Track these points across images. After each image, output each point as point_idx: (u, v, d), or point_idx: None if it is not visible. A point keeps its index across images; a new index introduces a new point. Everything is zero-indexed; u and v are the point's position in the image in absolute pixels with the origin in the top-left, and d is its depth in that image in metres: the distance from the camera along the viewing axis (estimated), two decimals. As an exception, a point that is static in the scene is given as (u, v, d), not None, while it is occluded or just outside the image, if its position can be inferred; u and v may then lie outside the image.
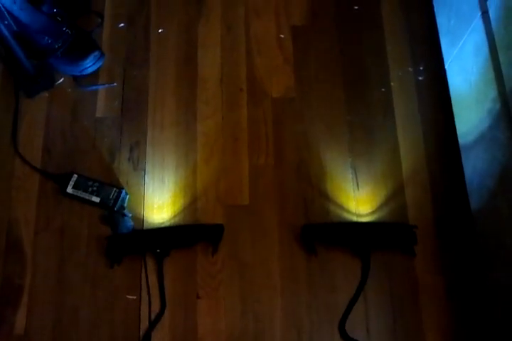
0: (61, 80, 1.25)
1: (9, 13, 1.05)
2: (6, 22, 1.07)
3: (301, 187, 1.16)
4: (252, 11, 1.31)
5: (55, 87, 1.24)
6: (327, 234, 1.10)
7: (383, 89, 1.24)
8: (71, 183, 1.12)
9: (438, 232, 1.12)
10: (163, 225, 1.13)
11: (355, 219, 1.13)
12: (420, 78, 1.25)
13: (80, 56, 1.20)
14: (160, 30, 1.30)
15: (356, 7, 1.31)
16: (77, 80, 1.24)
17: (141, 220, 1.13)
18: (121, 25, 1.30)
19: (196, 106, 1.23)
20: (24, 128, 1.21)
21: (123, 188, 1.14)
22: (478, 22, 1.02)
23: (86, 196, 1.12)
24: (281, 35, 1.29)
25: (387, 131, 1.21)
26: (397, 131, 1.21)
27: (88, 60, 1.20)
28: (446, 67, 1.19)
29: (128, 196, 1.14)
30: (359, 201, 1.15)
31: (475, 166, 1.05)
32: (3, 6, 1.03)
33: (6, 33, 1.07)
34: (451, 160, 1.15)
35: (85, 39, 1.23)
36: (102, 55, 1.23)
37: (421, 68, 1.25)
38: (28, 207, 1.15)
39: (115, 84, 1.24)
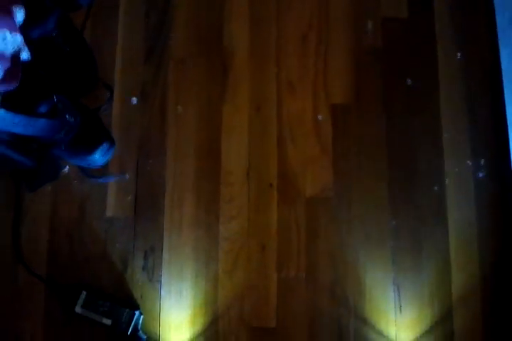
0: (66, 169, 1.14)
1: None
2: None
3: (335, 308, 1.07)
4: (285, 86, 1.16)
5: (59, 178, 1.14)
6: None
7: (436, 188, 1.11)
8: (80, 302, 1.05)
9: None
10: (180, 349, 1.06)
11: (395, 348, 1.05)
12: (480, 175, 1.10)
13: (87, 150, 1.08)
14: (179, 108, 1.16)
15: (409, 81, 1.15)
16: (84, 170, 1.13)
17: (156, 342, 1.07)
18: (134, 100, 1.17)
19: (219, 204, 1.12)
20: (27, 229, 1.12)
21: (137, 309, 1.06)
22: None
23: (96, 317, 1.05)
24: (319, 117, 1.15)
25: (437, 241, 1.09)
26: (450, 242, 1.09)
27: (96, 155, 1.09)
28: (513, 170, 1.05)
29: (142, 317, 1.06)
30: (401, 326, 1.05)
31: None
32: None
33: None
34: (509, 283, 1.04)
35: (92, 126, 1.10)
36: (112, 145, 1.11)
37: (482, 162, 1.11)
38: (34, 321, 1.08)
39: (127, 176, 1.14)
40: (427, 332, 1.05)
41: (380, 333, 1.05)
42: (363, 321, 1.06)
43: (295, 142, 1.14)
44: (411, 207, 1.10)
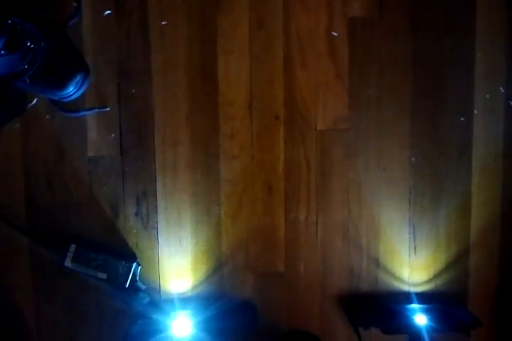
0: (34, 101, 0.98)
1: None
2: None
3: (347, 249, 1.03)
4: (294, -5, 0.97)
5: (27, 113, 0.98)
6: (375, 320, 1.01)
7: (462, 119, 1.01)
8: (69, 255, 0.97)
9: (498, 310, 1.04)
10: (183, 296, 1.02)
11: (407, 288, 1.03)
12: (512, 103, 1.00)
13: (57, 84, 0.91)
14: (163, 23, 0.97)
15: (442, -12, 0.98)
16: (57, 104, 0.97)
17: (157, 291, 1.02)
18: (108, 12, 0.97)
19: (218, 141, 1.00)
20: (-3, 173, 0.99)
21: (133, 259, 0.99)
22: None
23: (90, 272, 0.97)
24: (334, 33, 0.98)
25: (459, 179, 1.02)
26: (472, 180, 1.02)
27: (69, 88, 0.92)
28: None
29: (140, 267, 1.00)
30: (414, 267, 1.03)
31: None
32: None
33: None
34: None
35: (61, 52, 0.91)
36: (87, 74, 0.94)
37: (516, 88, 1.00)
38: (21, 276, 1.01)
39: (108, 108, 0.98)
40: (441, 273, 1.04)
41: (393, 275, 1.03)
42: (376, 262, 1.03)
43: (305, 65, 0.99)
44: (434, 140, 1.01)
